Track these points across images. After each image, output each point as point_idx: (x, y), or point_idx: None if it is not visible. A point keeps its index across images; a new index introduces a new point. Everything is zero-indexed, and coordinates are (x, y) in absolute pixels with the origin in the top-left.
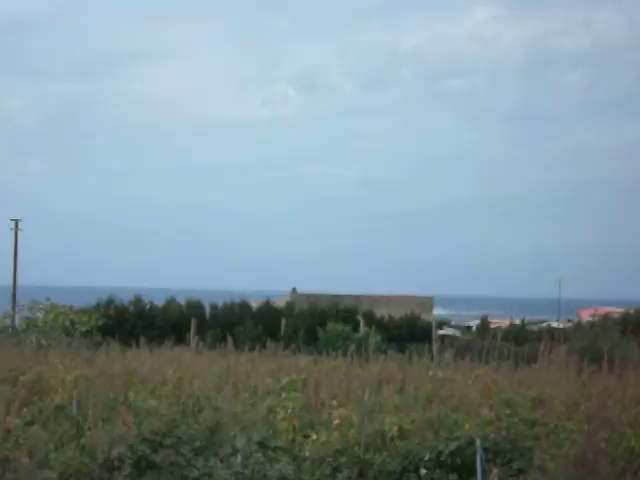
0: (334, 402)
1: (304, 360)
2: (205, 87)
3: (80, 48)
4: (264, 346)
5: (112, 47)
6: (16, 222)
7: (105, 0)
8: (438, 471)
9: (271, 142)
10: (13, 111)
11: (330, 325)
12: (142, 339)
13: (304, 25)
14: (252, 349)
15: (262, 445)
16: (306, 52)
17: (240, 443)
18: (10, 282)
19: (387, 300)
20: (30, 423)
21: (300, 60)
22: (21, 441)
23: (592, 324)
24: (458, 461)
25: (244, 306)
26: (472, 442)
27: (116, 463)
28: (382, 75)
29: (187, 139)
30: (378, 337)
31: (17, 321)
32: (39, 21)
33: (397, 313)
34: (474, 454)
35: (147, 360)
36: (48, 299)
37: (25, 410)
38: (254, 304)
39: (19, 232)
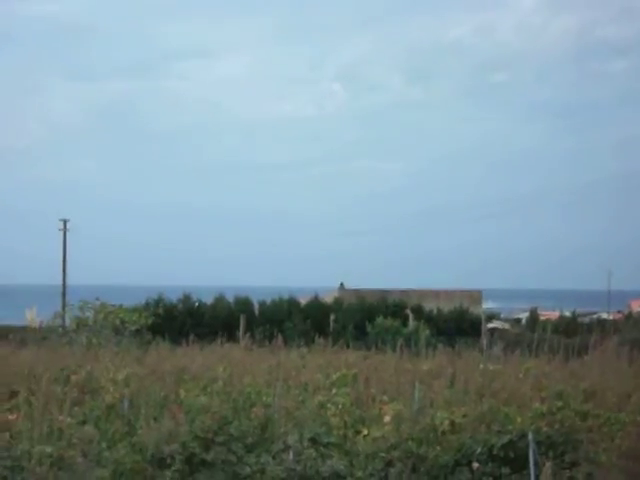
0: (385, 397)
1: (353, 355)
2: (251, 85)
3: (126, 49)
4: (313, 342)
5: (157, 47)
6: (64, 222)
7: (150, 1)
8: (490, 464)
9: (318, 139)
10: (59, 112)
11: (379, 320)
12: (191, 337)
13: (348, 20)
14: (301, 345)
15: (314, 441)
16: (351, 47)
17: (292, 439)
18: (59, 282)
19: (435, 294)
20: (82, 422)
21: (345, 55)
22: (74, 440)
23: None
24: (511, 454)
25: (292, 302)
26: (524, 435)
27: (168, 461)
28: (427, 68)
29: (234, 138)
30: (427, 331)
31: (67, 321)
32: (83, 23)
33: (446, 307)
34: (526, 447)
35: (197, 358)
36: (98, 299)
37: (77, 409)
38: (302, 300)
39: (67, 232)
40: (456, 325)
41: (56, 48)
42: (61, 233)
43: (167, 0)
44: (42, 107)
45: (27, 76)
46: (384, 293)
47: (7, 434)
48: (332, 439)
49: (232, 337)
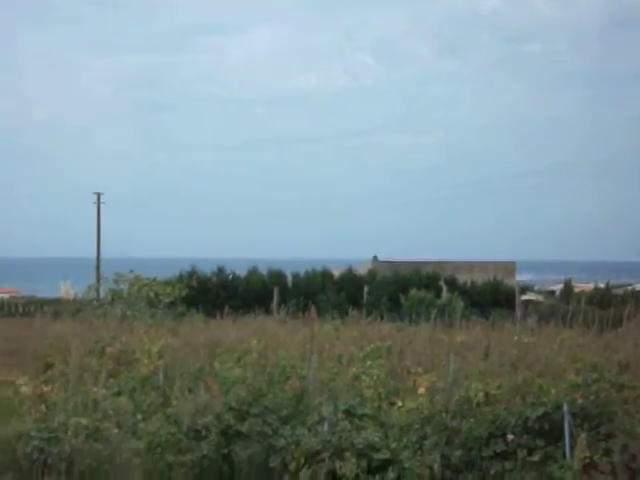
0: (419, 369)
1: (387, 327)
2: (284, 58)
3: (155, 21)
4: (347, 314)
5: (185, 20)
6: (98, 195)
7: None
8: (525, 436)
9: (351, 112)
10: (86, 85)
11: (412, 292)
12: (225, 309)
13: None
14: (335, 317)
15: (348, 413)
16: (384, 20)
17: (327, 411)
18: (94, 255)
19: (469, 266)
20: (117, 394)
21: (378, 28)
22: (109, 412)
23: None
24: (545, 426)
25: (326, 275)
26: (559, 407)
27: (203, 432)
28: (460, 41)
29: (265, 110)
30: (461, 303)
31: (102, 293)
32: None
33: (479, 279)
34: (561, 419)
35: (231, 330)
36: (132, 271)
37: (112, 381)
38: (336, 272)
39: (101, 205)
40: (490, 297)
41: (84, 23)
42: (94, 206)
43: None
44: (71, 82)
45: (55, 52)
46: (418, 265)
47: (43, 406)
48: (366, 411)
49: (266, 309)
